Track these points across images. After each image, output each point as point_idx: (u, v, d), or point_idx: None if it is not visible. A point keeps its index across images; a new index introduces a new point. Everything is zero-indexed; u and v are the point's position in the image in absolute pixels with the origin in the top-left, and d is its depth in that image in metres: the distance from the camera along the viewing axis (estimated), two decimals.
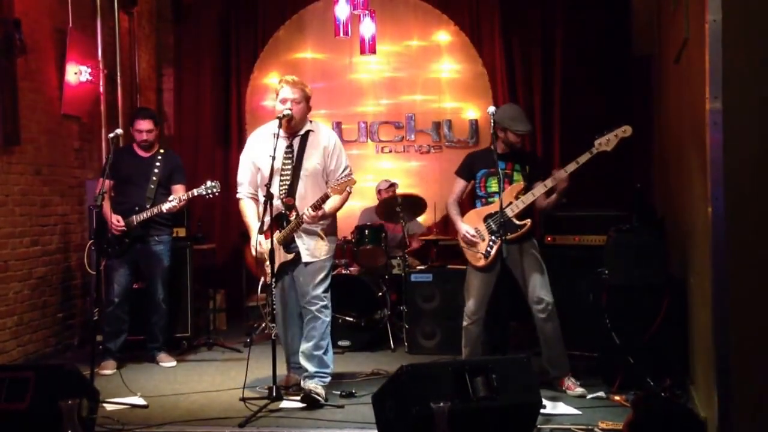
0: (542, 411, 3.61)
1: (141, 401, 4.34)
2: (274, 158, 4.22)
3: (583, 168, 4.35)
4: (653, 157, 6.25)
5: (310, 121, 4.51)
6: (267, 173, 4.22)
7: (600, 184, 6.44)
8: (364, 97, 7.47)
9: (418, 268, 5.97)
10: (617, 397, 4.24)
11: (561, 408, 4.10)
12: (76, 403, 3.22)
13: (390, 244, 6.22)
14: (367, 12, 6.10)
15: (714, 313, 3.19)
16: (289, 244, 4.40)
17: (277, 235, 4.34)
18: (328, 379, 4.43)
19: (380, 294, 5.89)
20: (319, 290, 4.40)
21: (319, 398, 4.22)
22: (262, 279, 4.53)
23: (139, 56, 7.12)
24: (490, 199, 4.56)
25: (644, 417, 2.89)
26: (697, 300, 3.95)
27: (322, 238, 4.42)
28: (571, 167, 4.33)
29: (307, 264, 4.38)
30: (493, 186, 4.54)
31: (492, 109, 4.43)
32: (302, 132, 4.43)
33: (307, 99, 4.42)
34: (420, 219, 6.67)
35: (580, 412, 4.04)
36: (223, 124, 7.61)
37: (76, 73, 5.94)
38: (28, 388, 3.29)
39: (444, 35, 7.37)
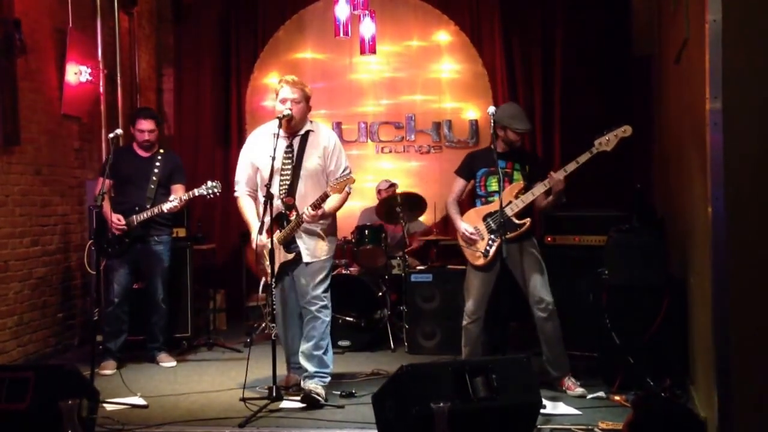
0: (542, 411, 3.61)
1: (141, 401, 4.35)
2: (274, 158, 4.22)
3: (583, 168, 4.35)
4: (653, 157, 6.25)
5: (311, 121, 4.51)
6: (267, 173, 4.22)
7: (600, 184, 6.44)
8: (364, 97, 7.47)
9: (418, 268, 5.97)
10: (617, 397, 4.24)
11: (561, 408, 4.10)
12: (76, 404, 3.21)
13: (390, 244, 6.22)
14: (367, 12, 6.10)
15: (714, 313, 3.19)
16: (289, 244, 4.40)
17: (277, 234, 4.34)
18: (328, 379, 4.43)
19: (380, 294, 5.89)
20: (319, 290, 4.40)
21: (319, 398, 4.22)
22: (264, 279, 4.53)
23: (139, 56, 7.12)
24: (490, 199, 4.56)
25: (644, 417, 2.88)
26: (697, 300, 3.95)
27: (322, 238, 4.42)
28: (571, 167, 4.34)
29: (307, 264, 4.38)
30: (493, 185, 4.54)
31: (492, 109, 4.43)
32: (302, 132, 4.44)
33: (307, 99, 4.43)
34: (421, 218, 6.67)
35: (580, 413, 4.04)
36: (223, 124, 7.61)
37: (76, 73, 5.94)
38: (28, 389, 3.29)
39: (444, 35, 7.37)
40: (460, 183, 4.72)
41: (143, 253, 5.32)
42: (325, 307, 4.42)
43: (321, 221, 4.36)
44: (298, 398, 4.26)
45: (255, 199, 4.54)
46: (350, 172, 4.43)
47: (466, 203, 4.88)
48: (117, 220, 5.15)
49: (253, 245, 4.46)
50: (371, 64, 7.41)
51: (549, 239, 5.43)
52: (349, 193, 4.44)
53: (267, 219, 4.24)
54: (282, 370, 4.56)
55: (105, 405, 4.18)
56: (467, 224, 4.58)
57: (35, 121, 5.53)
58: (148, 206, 5.22)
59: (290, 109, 4.32)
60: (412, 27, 7.40)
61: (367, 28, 6.20)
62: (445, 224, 6.59)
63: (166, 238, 5.41)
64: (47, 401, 3.25)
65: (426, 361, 4.87)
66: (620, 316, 4.48)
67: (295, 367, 4.59)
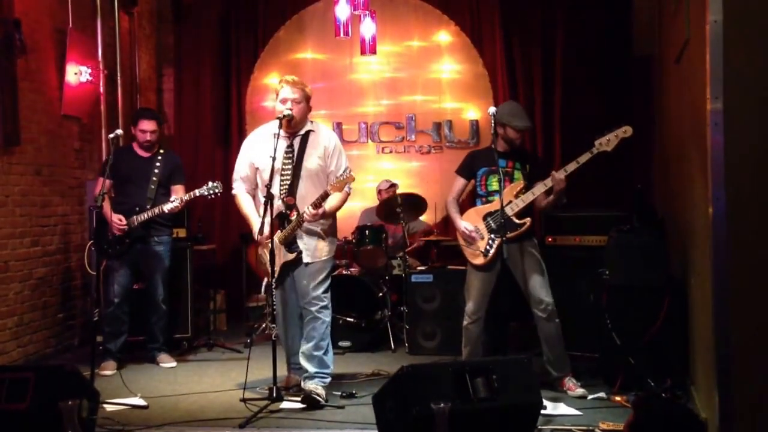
0: (543, 412, 3.60)
1: (141, 402, 4.34)
2: (274, 159, 4.22)
3: (584, 168, 4.35)
4: (653, 158, 6.24)
5: (311, 122, 4.51)
6: (267, 173, 4.22)
7: (600, 184, 6.44)
8: (365, 97, 7.47)
9: (419, 268, 5.96)
10: (618, 398, 4.24)
11: (562, 409, 4.10)
12: (76, 404, 3.22)
13: (390, 244, 6.22)
14: (367, 12, 6.10)
15: (714, 313, 3.19)
16: (290, 245, 4.40)
17: (278, 234, 4.34)
18: (329, 380, 4.43)
19: (381, 294, 5.89)
20: (319, 291, 4.40)
21: (320, 399, 4.22)
22: (266, 279, 4.52)
23: (139, 56, 7.12)
24: (490, 198, 4.56)
25: (645, 418, 2.88)
26: (697, 300, 3.95)
27: (322, 239, 4.42)
28: (572, 167, 4.34)
29: (307, 264, 4.38)
30: (494, 184, 4.54)
31: (492, 109, 4.44)
32: (302, 132, 4.43)
33: (307, 99, 4.42)
34: (421, 218, 6.67)
35: (580, 413, 4.04)
36: (223, 125, 7.61)
37: (76, 74, 5.94)
38: (28, 389, 3.29)
39: (444, 35, 7.37)
40: (460, 182, 4.72)
41: (143, 253, 5.32)
42: (325, 307, 4.42)
43: (321, 221, 4.36)
44: (299, 399, 4.26)
45: (254, 197, 4.54)
46: (350, 172, 4.42)
47: (466, 203, 4.88)
48: (118, 220, 5.15)
49: (256, 237, 4.42)
50: (371, 65, 7.41)
51: (549, 239, 5.43)
52: (349, 193, 4.44)
53: (267, 219, 4.24)
54: (282, 371, 4.55)
55: (105, 405, 4.17)
56: (467, 223, 4.58)
57: (35, 121, 5.53)
58: (148, 206, 5.22)
59: (290, 109, 4.32)
60: (413, 27, 7.40)
61: (368, 28, 6.21)
62: (446, 225, 6.59)
63: (166, 238, 5.41)
64: (47, 402, 3.25)
65: (426, 361, 4.88)
66: (621, 317, 4.48)
67: (295, 367, 4.59)
